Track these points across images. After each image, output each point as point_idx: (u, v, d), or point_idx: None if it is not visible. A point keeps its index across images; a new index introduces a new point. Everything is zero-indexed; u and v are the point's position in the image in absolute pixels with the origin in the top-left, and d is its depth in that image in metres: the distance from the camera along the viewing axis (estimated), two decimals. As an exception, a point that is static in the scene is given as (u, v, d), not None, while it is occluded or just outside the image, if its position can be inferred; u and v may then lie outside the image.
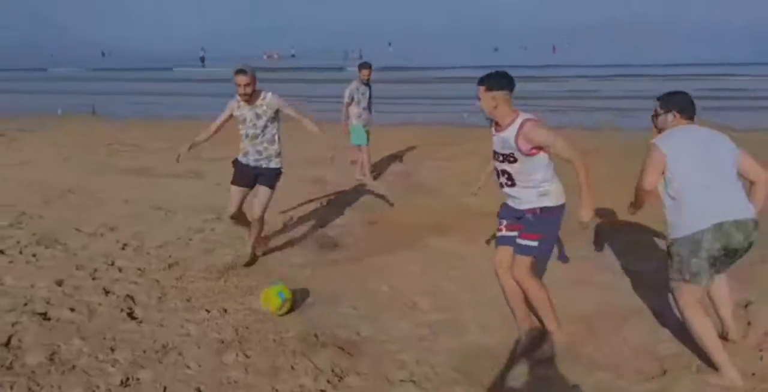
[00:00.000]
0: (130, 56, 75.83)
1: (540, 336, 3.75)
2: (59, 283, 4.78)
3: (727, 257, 3.35)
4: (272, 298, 4.19)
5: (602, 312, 4.15)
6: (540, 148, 3.52)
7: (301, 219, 6.47)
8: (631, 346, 3.72)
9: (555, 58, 50.23)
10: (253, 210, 5.12)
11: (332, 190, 7.83)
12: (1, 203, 7.22)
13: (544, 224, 3.62)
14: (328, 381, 3.41)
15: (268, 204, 5.14)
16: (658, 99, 3.64)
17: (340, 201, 7.25)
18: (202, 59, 55.82)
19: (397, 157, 10.05)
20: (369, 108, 8.29)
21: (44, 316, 4.23)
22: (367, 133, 8.26)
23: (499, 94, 3.52)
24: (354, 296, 4.51)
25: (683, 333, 3.80)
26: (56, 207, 7.05)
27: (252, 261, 5.21)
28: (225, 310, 4.32)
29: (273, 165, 5.12)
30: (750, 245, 3.32)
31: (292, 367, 3.55)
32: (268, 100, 4.96)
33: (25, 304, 4.41)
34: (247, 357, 3.68)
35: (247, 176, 5.11)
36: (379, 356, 3.68)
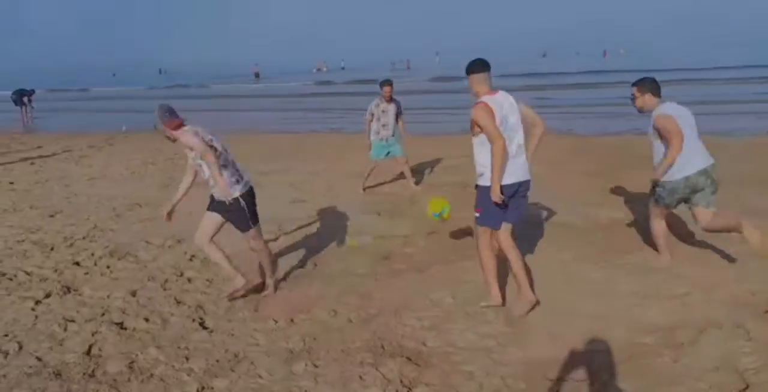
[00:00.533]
0: (186, 72, 78.36)
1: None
2: (133, 294, 4.99)
3: (693, 192, 4.64)
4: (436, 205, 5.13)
5: (677, 323, 4.01)
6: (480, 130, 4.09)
7: (361, 230, 6.52)
8: (710, 359, 3.57)
9: (605, 64, 49.13)
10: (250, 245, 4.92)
11: (389, 201, 7.87)
12: (74, 217, 7.59)
13: (479, 198, 4.28)
14: (398, 392, 3.42)
15: (260, 236, 4.86)
16: (634, 85, 4.79)
17: (397, 212, 7.29)
18: (257, 74, 57.20)
19: (452, 167, 10.02)
20: (394, 124, 8.15)
21: (121, 326, 4.41)
22: (386, 147, 8.18)
23: (474, 77, 4.19)
24: (418, 306, 4.51)
25: (767, 345, 3.65)
26: (126, 221, 7.35)
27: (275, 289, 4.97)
28: (292, 320, 4.39)
29: (231, 197, 4.58)
30: (713, 180, 4.62)
31: (361, 377, 3.58)
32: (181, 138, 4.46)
33: (103, 314, 4.62)
34: (316, 366, 3.73)
35: (220, 208, 4.66)
36: (446, 367, 3.67)
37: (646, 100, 4.73)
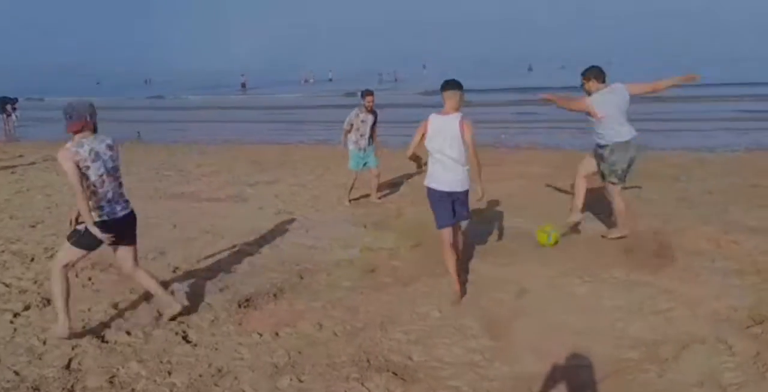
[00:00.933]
0: (172, 82, 78.01)
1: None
2: (115, 306, 4.91)
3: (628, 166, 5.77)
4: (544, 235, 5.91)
5: (661, 338, 4.03)
6: None
7: (347, 244, 6.49)
8: (694, 374, 3.59)
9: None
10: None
11: (374, 213, 7.86)
12: (56, 227, 7.47)
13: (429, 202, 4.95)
14: (383, 408, 3.40)
15: (62, 262, 4.29)
16: (582, 74, 5.85)
17: (383, 224, 7.27)
18: (243, 85, 57.07)
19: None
20: (371, 135, 8.20)
21: (102, 339, 4.34)
22: (363, 158, 8.22)
23: (443, 93, 4.81)
24: (404, 320, 4.49)
25: (749, 360, 3.68)
26: (109, 232, 7.24)
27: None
28: (276, 334, 4.35)
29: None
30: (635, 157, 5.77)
31: (346, 392, 3.55)
32: None
33: (84, 327, 4.53)
34: (301, 381, 3.69)
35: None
36: (432, 382, 3.65)
37: (591, 85, 5.78)
